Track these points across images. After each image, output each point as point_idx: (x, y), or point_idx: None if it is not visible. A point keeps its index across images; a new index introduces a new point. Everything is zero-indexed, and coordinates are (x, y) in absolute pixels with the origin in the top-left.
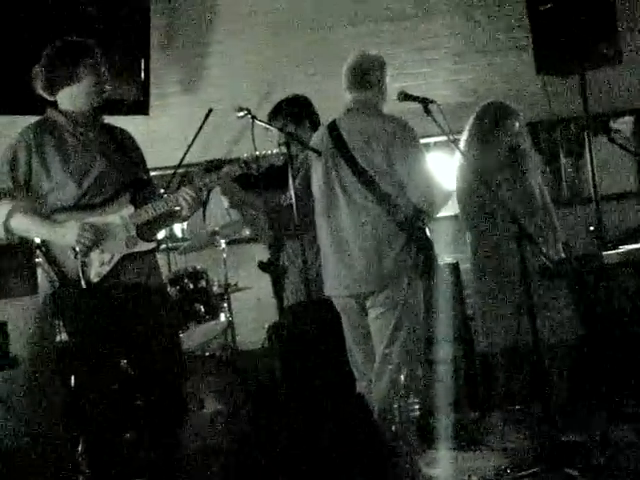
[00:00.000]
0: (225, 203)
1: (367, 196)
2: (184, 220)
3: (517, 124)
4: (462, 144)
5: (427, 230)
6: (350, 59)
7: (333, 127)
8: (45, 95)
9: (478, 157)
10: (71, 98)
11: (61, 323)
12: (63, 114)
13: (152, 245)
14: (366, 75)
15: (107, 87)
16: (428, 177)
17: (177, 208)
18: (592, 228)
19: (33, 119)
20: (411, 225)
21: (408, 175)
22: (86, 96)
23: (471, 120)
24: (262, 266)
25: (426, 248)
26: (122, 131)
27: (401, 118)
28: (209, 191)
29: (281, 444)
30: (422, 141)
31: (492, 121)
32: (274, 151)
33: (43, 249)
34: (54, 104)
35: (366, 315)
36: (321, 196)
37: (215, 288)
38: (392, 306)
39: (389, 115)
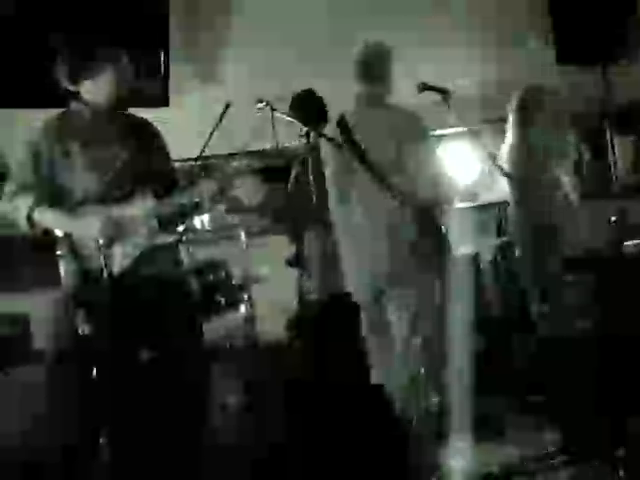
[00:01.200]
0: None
1: (377, 190)
2: (205, 213)
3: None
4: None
5: (441, 223)
6: (357, 51)
7: (342, 121)
8: (68, 86)
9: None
10: (93, 90)
11: (84, 315)
12: (85, 106)
13: (174, 237)
14: (374, 67)
15: (129, 80)
16: (438, 170)
17: (199, 200)
18: (613, 219)
19: (52, 112)
20: (422, 218)
21: (418, 168)
22: (108, 89)
23: (512, 104)
24: (289, 262)
25: (440, 241)
26: (146, 122)
27: (411, 110)
28: (230, 183)
29: (301, 435)
30: (441, 132)
31: (522, 107)
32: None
33: (66, 241)
34: (77, 95)
35: (382, 307)
36: (333, 190)
37: (235, 279)
38: (408, 300)
39: (399, 107)
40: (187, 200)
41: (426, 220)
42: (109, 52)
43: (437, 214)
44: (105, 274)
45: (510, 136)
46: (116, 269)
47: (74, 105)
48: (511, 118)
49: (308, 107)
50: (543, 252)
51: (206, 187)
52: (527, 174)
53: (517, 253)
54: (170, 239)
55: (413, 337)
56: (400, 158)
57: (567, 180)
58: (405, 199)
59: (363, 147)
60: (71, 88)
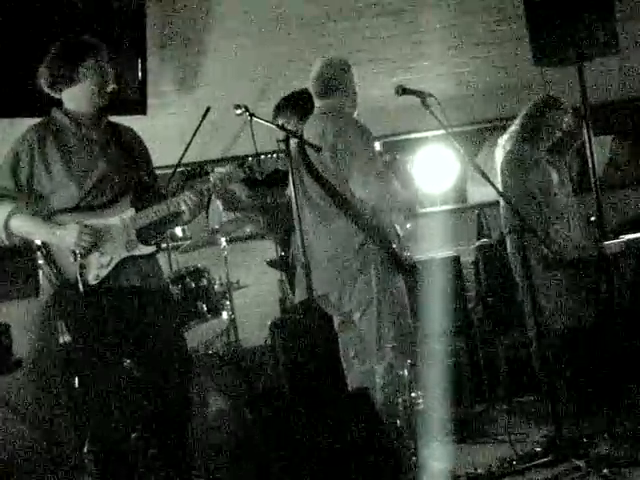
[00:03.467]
0: (220, 206)
1: (323, 198)
2: (185, 224)
3: (565, 121)
4: (507, 136)
5: (395, 226)
6: (314, 67)
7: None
8: (51, 94)
9: (522, 151)
10: (74, 98)
11: (63, 325)
12: (67, 114)
13: (152, 249)
14: (329, 82)
15: (111, 87)
16: (372, 175)
17: (179, 211)
18: (593, 218)
19: (32, 121)
20: (368, 223)
21: (354, 174)
22: (89, 96)
23: (522, 114)
24: (271, 263)
25: (388, 245)
26: (128, 130)
27: (356, 120)
28: (210, 194)
29: (285, 441)
30: (421, 135)
31: (539, 118)
32: (274, 156)
33: (43, 251)
34: (59, 103)
35: (347, 315)
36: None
37: (217, 286)
38: (366, 304)
39: (348, 118)
40: (167, 212)
41: (371, 225)
42: (89, 60)
43: (388, 218)
44: (80, 284)
45: (506, 144)
46: (92, 279)
47: (56, 112)
48: (517, 127)
49: (292, 109)
50: (530, 252)
51: (186, 197)
52: (523, 180)
53: (509, 251)
54: (148, 250)
55: (384, 338)
56: (338, 167)
57: (557, 179)
58: (349, 206)
59: (310, 159)
60: (54, 95)
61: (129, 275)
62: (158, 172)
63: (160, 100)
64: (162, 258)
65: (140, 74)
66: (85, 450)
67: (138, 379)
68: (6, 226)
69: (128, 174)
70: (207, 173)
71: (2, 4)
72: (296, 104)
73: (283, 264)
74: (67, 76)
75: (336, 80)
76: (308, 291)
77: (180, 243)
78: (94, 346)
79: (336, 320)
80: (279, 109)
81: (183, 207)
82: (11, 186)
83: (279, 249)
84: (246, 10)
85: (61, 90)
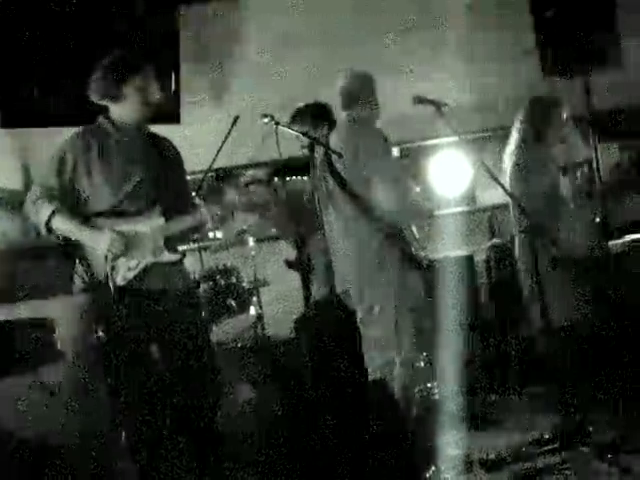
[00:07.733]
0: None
1: (346, 201)
2: (209, 232)
3: (564, 115)
4: (513, 145)
5: (411, 227)
6: (339, 80)
7: (325, 140)
8: (98, 101)
9: (532, 155)
10: (120, 112)
11: (95, 321)
12: (112, 122)
13: (177, 257)
14: (354, 94)
15: (155, 102)
16: (390, 180)
17: (204, 222)
18: (598, 220)
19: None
20: (387, 224)
21: (374, 179)
22: (133, 112)
23: (520, 118)
24: (289, 264)
25: (406, 244)
26: (167, 142)
27: (378, 129)
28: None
29: (307, 430)
30: (434, 142)
31: (543, 117)
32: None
33: (79, 250)
34: (106, 111)
35: (368, 309)
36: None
37: (245, 284)
38: (385, 300)
39: (370, 127)
40: (193, 224)
41: (392, 226)
42: (135, 78)
43: (405, 220)
44: (111, 285)
45: (516, 151)
46: (120, 280)
47: (102, 120)
48: (518, 133)
49: (306, 118)
50: (538, 251)
51: (212, 210)
52: (535, 188)
53: (517, 253)
54: (173, 258)
55: (401, 331)
56: (362, 174)
57: (566, 183)
58: (371, 209)
59: (335, 165)
60: (101, 102)
61: (154, 278)
62: (190, 177)
63: (193, 109)
64: (193, 258)
65: (174, 85)
66: (122, 441)
67: (165, 373)
68: (48, 224)
69: (163, 184)
70: (237, 177)
71: (38, 20)
72: (309, 114)
73: (298, 264)
74: (113, 94)
75: (360, 92)
76: (331, 287)
77: (211, 243)
78: (124, 342)
79: (358, 314)
80: (294, 118)
81: (208, 219)
82: (55, 185)
83: (296, 250)
84: (274, 25)
85: (109, 102)
